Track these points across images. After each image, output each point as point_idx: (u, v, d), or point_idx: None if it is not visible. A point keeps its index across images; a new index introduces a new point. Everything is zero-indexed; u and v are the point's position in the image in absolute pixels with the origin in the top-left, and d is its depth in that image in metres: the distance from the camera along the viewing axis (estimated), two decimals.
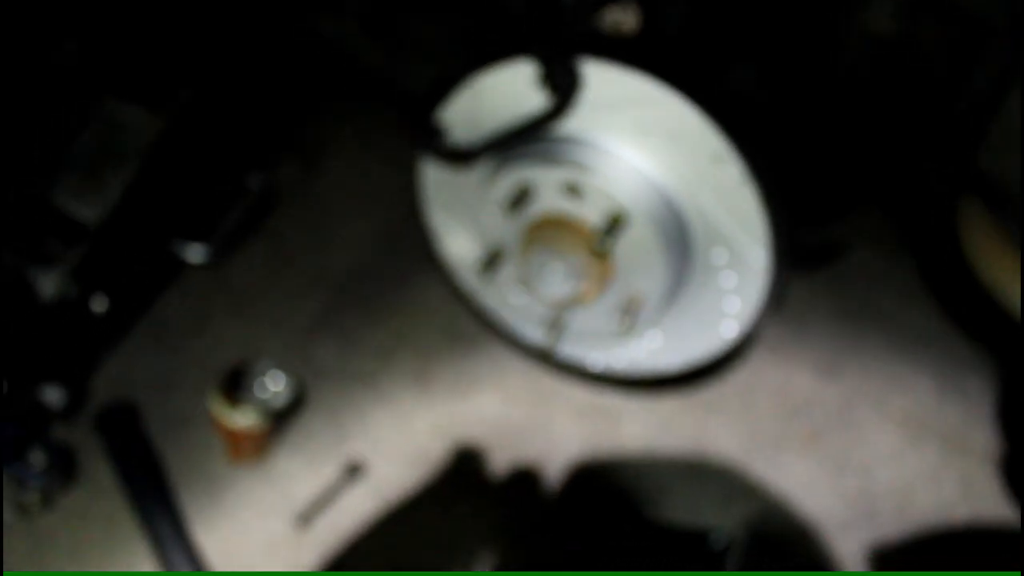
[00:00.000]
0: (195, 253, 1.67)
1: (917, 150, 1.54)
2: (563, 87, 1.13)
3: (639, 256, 1.20)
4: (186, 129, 1.55)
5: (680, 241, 1.19)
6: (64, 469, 1.43)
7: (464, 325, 1.81)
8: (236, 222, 1.77)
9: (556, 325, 1.32)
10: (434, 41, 1.51)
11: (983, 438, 1.80)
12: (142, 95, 1.55)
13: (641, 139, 1.16)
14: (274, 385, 1.45)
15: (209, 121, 1.60)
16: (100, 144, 1.53)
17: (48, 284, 1.45)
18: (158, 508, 1.45)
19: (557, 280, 1.21)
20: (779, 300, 1.28)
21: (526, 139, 1.20)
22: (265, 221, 1.85)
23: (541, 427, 1.69)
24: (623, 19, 1.11)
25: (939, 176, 1.53)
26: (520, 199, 1.20)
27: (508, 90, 1.19)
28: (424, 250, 1.90)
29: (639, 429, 1.72)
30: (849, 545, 1.64)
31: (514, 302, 1.36)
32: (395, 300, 1.83)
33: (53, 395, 1.44)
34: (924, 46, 1.18)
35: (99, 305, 1.52)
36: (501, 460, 1.64)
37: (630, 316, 1.23)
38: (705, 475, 1.68)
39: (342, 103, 2.12)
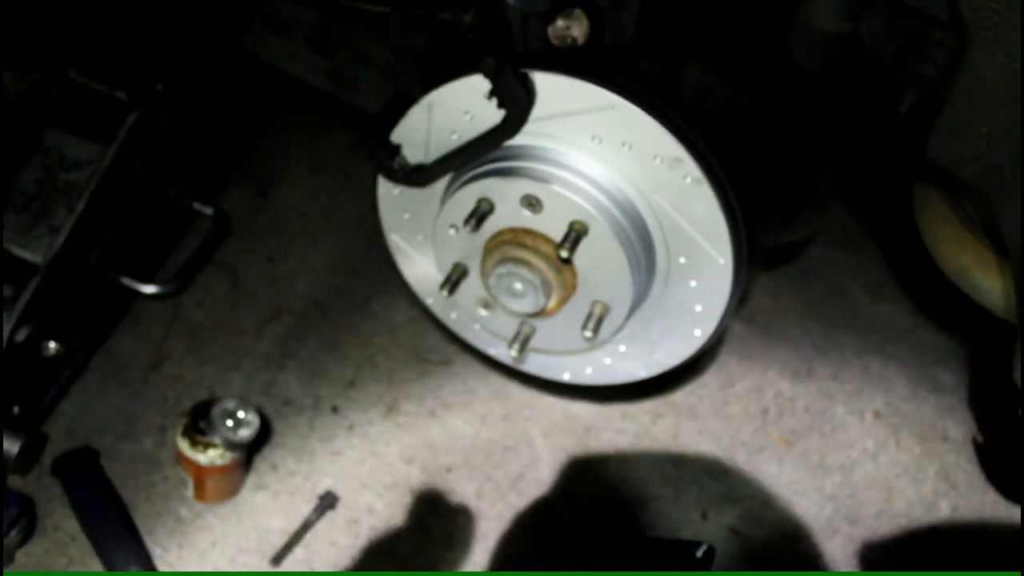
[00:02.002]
0: (149, 285, 1.70)
1: (872, 143, 1.62)
2: (514, 100, 1.19)
3: (602, 263, 1.26)
4: (133, 157, 1.59)
5: (641, 245, 1.25)
6: (28, 521, 1.45)
7: (430, 347, 1.86)
8: (190, 251, 1.81)
9: (523, 337, 1.37)
10: (384, 59, 1.57)
11: (960, 429, 1.89)
12: (86, 124, 1.59)
13: (595, 146, 1.23)
14: (241, 419, 1.48)
15: (157, 148, 1.64)
16: (44, 179, 1.57)
17: None
18: (126, 551, 1.48)
19: (522, 292, 1.27)
20: (743, 298, 1.34)
21: (481, 154, 1.26)
22: (218, 250, 1.90)
23: (515, 445, 1.74)
24: (572, 29, 1.17)
25: (894, 167, 1.61)
26: (479, 214, 1.26)
27: (460, 106, 1.25)
28: (384, 274, 1.95)
29: (615, 439, 1.78)
30: (834, 546, 1.70)
31: (480, 317, 1.41)
32: (358, 326, 1.87)
33: (7, 443, 1.46)
34: (871, 41, 1.25)
35: (51, 347, 1.54)
36: (477, 482, 1.69)
37: (597, 323, 1.28)
38: (684, 483, 1.74)
39: (292, 127, 2.17)
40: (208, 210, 1.85)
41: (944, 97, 1.14)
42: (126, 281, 1.69)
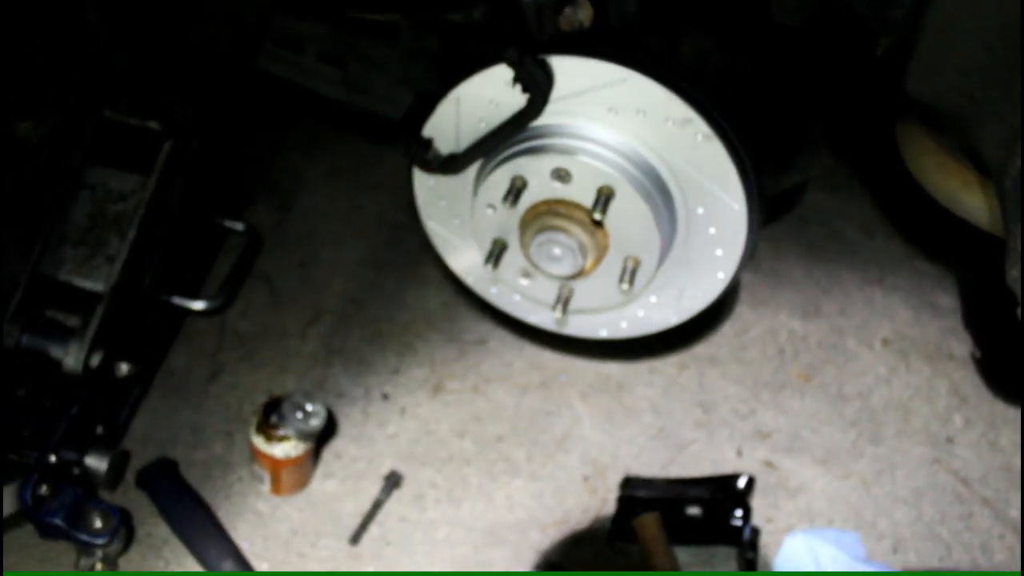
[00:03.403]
0: (197, 302, 1.85)
1: (853, 87, 1.79)
2: (536, 84, 1.35)
3: (629, 221, 1.42)
4: (172, 183, 1.73)
5: (663, 200, 1.41)
6: (126, 530, 1.59)
7: (464, 328, 2.02)
8: (228, 267, 1.95)
9: (564, 299, 1.53)
10: (395, 63, 1.71)
11: (964, 347, 2.06)
12: (125, 157, 1.73)
13: (612, 117, 1.39)
14: (309, 411, 1.63)
15: (191, 172, 1.78)
16: (94, 213, 1.71)
17: (70, 358, 1.62)
18: (217, 547, 1.62)
19: (561, 256, 1.43)
20: (755, 244, 1.51)
21: (510, 137, 1.42)
22: (254, 263, 2.04)
23: (556, 409, 1.90)
24: (579, 15, 1.33)
25: (875, 109, 1.78)
26: (514, 192, 1.41)
27: (486, 95, 1.40)
28: (411, 265, 2.10)
29: (646, 393, 1.94)
30: (862, 467, 1.87)
31: (520, 287, 1.57)
32: (394, 317, 2.03)
33: (95, 461, 1.60)
34: None
35: (123, 368, 1.68)
36: (526, 447, 1.84)
37: (631, 276, 1.45)
38: (716, 425, 1.91)
39: (303, 138, 2.32)
40: (239, 226, 1.99)
41: (915, 37, 1.30)
42: (177, 300, 1.83)
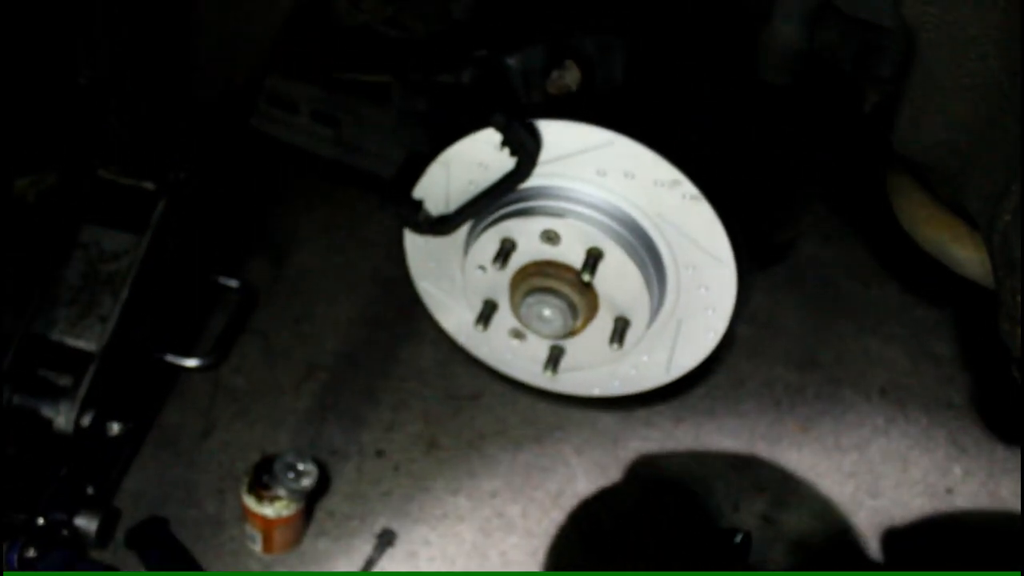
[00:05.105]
0: (191, 359, 1.85)
1: (842, 143, 1.81)
2: (524, 148, 1.36)
3: (619, 282, 1.42)
4: (165, 242, 1.75)
5: (652, 260, 1.42)
6: None
7: (458, 385, 2.02)
8: (222, 324, 1.96)
9: (554, 359, 1.53)
10: (387, 124, 1.73)
11: (962, 396, 2.07)
12: (118, 216, 1.75)
13: (600, 179, 1.40)
14: (301, 470, 1.63)
15: (184, 231, 1.79)
16: (87, 272, 1.72)
17: (61, 417, 1.63)
18: None
19: (551, 317, 1.43)
20: (747, 299, 1.51)
21: (499, 199, 1.43)
22: (249, 320, 2.05)
23: (551, 465, 1.90)
24: (566, 79, 1.35)
25: (865, 161, 1.80)
26: (504, 253, 1.42)
27: (475, 158, 1.42)
28: (405, 322, 2.11)
29: (641, 447, 1.94)
30: (860, 520, 1.86)
31: (512, 347, 1.57)
32: (388, 373, 2.03)
33: (85, 521, 1.60)
34: (829, 53, 1.44)
35: (115, 427, 1.68)
36: (521, 503, 1.84)
37: (621, 336, 1.45)
38: (712, 479, 1.90)
39: (297, 194, 2.34)
40: (233, 283, 2.00)
41: (902, 93, 1.32)
42: (170, 358, 1.84)
